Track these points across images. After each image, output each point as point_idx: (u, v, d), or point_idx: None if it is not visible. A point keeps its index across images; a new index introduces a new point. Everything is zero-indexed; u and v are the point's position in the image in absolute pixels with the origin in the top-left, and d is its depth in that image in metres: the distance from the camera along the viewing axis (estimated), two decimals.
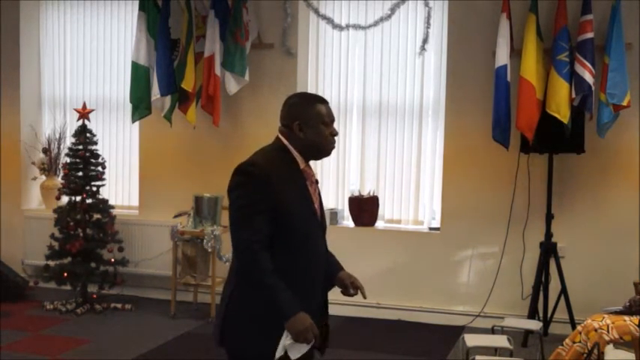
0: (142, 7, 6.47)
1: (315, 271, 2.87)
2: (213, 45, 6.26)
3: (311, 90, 6.62)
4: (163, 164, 6.92)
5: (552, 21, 5.69)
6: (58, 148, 7.20)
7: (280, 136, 2.85)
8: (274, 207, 2.69)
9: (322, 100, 2.88)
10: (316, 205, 2.89)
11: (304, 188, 2.83)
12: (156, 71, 6.36)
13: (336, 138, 2.90)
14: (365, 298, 2.98)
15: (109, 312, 6.41)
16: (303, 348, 2.74)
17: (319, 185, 3.00)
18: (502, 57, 5.69)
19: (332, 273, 3.00)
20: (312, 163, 2.95)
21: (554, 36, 5.61)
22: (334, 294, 3.03)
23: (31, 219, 7.20)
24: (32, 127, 7.34)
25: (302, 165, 2.85)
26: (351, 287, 2.96)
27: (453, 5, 6.19)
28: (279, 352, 2.71)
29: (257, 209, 2.68)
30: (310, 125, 2.80)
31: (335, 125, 2.91)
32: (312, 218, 2.84)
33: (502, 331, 4.75)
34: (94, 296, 6.48)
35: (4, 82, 7.29)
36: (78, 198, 6.47)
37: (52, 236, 6.52)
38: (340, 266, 3.04)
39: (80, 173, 6.48)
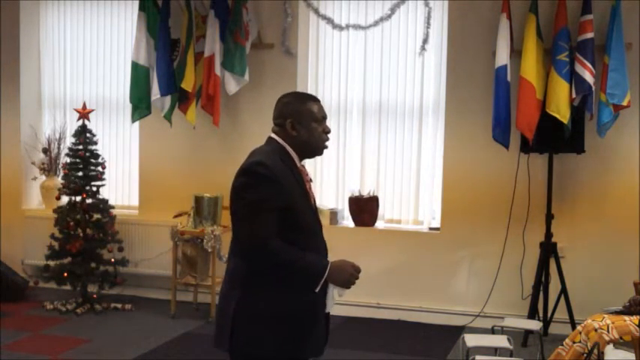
0: (141, 7, 6.47)
1: None
2: (213, 45, 6.26)
3: (311, 90, 6.63)
4: (163, 164, 6.92)
5: (552, 21, 5.69)
6: (58, 148, 7.20)
7: (275, 136, 2.85)
8: (283, 205, 2.69)
9: (314, 98, 2.90)
10: (313, 203, 2.92)
11: (304, 186, 2.84)
12: (156, 71, 6.36)
13: (331, 136, 2.91)
14: None
15: (109, 312, 6.41)
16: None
17: (313, 184, 3.02)
18: (502, 57, 5.69)
19: None
20: (312, 162, 2.95)
21: (554, 36, 5.61)
22: None
23: (31, 219, 7.19)
24: (32, 127, 7.34)
25: (298, 164, 2.86)
26: None
27: (453, 5, 6.18)
28: (329, 308, 2.82)
29: (267, 207, 2.66)
30: (303, 123, 2.82)
31: (334, 125, 2.92)
32: (314, 216, 2.87)
33: (502, 331, 4.75)
34: (94, 296, 6.48)
35: (4, 82, 7.29)
36: (78, 198, 6.47)
37: (52, 236, 6.52)
38: None
39: (80, 173, 6.48)
